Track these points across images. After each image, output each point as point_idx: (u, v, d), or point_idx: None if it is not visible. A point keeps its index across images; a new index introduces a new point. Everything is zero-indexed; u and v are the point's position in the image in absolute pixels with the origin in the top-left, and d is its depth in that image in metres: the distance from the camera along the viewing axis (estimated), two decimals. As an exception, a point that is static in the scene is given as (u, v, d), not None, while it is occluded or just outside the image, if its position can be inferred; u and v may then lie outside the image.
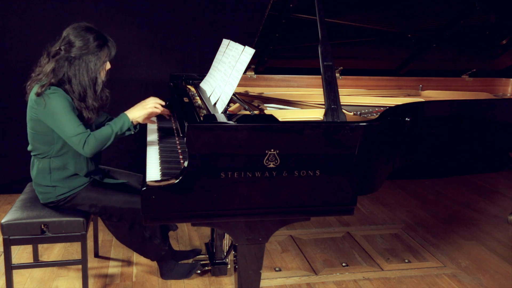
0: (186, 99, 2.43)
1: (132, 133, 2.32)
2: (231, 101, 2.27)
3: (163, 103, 2.38)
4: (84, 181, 2.34)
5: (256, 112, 2.18)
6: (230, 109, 2.28)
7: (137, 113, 2.30)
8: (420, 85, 3.26)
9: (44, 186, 2.30)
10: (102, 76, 2.26)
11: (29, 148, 2.32)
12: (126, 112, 2.30)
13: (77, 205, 2.34)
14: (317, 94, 2.83)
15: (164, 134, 2.60)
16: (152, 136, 2.59)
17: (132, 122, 2.28)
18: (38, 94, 2.13)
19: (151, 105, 2.32)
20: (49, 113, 2.13)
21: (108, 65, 2.30)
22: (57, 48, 2.18)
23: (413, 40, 2.97)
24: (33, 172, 2.33)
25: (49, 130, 2.19)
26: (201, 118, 2.00)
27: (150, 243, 2.54)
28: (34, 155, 2.32)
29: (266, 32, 2.59)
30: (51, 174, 2.28)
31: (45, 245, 3.03)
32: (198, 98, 2.58)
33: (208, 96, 2.42)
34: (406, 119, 2.23)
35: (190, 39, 3.95)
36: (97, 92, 2.23)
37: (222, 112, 2.09)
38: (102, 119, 2.57)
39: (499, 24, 2.96)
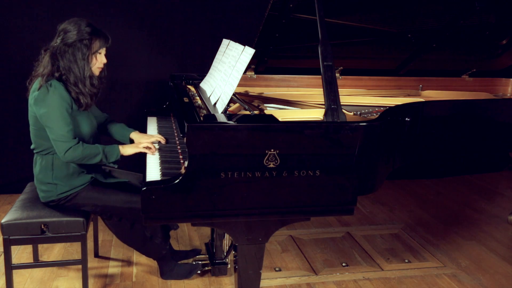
0: (186, 99, 2.43)
1: (116, 167, 2.37)
2: (231, 101, 2.27)
3: (163, 140, 2.45)
4: (85, 180, 2.34)
5: (256, 112, 2.18)
6: (230, 109, 2.28)
7: (129, 150, 2.35)
8: (420, 85, 3.26)
9: (46, 184, 2.31)
10: (92, 64, 2.27)
11: (32, 146, 2.33)
12: (120, 146, 2.33)
13: (78, 204, 2.34)
14: (317, 94, 2.83)
15: (164, 134, 2.60)
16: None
17: (120, 156, 2.32)
18: (40, 87, 2.17)
19: (143, 145, 2.36)
20: (44, 108, 2.15)
21: (103, 59, 2.31)
22: (54, 41, 2.23)
23: (413, 40, 2.97)
24: (36, 170, 2.34)
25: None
26: (201, 118, 2.00)
27: (151, 242, 2.54)
28: (37, 152, 2.33)
29: (266, 32, 2.59)
30: (54, 171, 2.29)
31: (45, 245, 3.03)
32: (198, 98, 2.58)
33: (208, 96, 2.42)
34: (406, 119, 2.23)
35: (190, 39, 3.95)
36: (86, 80, 2.25)
37: (222, 112, 2.09)
38: (102, 119, 2.58)
39: (499, 24, 2.96)
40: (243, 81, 3.00)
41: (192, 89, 2.90)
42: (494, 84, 3.45)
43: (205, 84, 2.67)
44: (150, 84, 3.94)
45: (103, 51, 2.30)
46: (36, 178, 2.36)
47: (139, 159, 2.48)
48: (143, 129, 2.66)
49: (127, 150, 2.34)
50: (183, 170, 1.82)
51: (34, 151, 2.34)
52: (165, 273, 2.70)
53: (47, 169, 2.29)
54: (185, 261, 2.84)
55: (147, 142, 2.39)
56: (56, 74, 2.20)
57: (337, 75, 3.11)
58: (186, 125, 1.75)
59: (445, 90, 3.24)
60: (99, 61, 2.30)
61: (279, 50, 2.86)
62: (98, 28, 2.27)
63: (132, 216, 2.39)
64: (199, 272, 2.75)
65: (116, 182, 2.45)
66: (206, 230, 3.32)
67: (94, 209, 2.37)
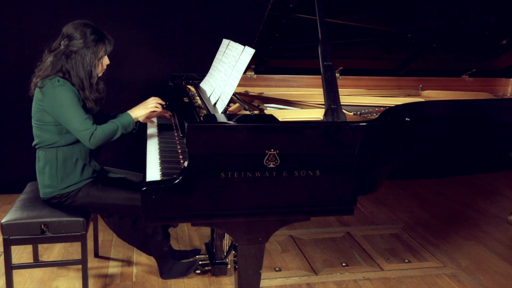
0: (186, 99, 2.43)
1: (134, 131, 2.39)
2: (231, 101, 2.27)
3: (163, 102, 2.49)
4: (87, 175, 2.36)
5: (256, 112, 2.18)
6: (230, 109, 2.28)
7: (139, 112, 2.39)
8: (420, 85, 3.26)
9: (50, 178, 2.31)
10: (98, 70, 2.31)
11: (34, 142, 2.33)
12: (129, 112, 2.37)
13: (79, 202, 2.35)
14: (317, 94, 2.83)
15: (164, 134, 2.60)
16: (152, 136, 2.59)
17: (135, 121, 2.37)
18: (42, 86, 2.19)
19: (152, 105, 2.41)
20: (57, 105, 2.19)
21: (106, 60, 2.35)
22: (58, 43, 2.25)
23: (413, 40, 2.97)
24: (40, 164, 2.33)
25: (57, 120, 2.24)
26: (201, 118, 2.00)
27: (153, 240, 2.54)
28: (40, 146, 2.32)
29: (266, 32, 2.59)
30: (58, 163, 2.30)
31: (45, 245, 3.03)
32: (198, 98, 2.58)
33: (208, 96, 2.42)
34: (406, 119, 2.23)
35: (190, 39, 3.95)
36: (92, 85, 2.29)
37: (222, 112, 2.09)
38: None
39: (499, 24, 2.96)
40: (243, 81, 3.00)
41: (192, 89, 2.90)
42: (494, 84, 3.45)
43: (205, 84, 2.67)
44: (150, 84, 3.94)
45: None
46: (40, 173, 2.35)
47: (139, 159, 2.48)
48: (143, 129, 2.66)
49: (137, 113, 2.37)
50: (183, 170, 1.82)
51: (37, 146, 2.34)
52: (165, 273, 2.70)
53: (51, 162, 2.30)
54: (185, 261, 2.84)
55: (154, 102, 2.41)
56: (60, 74, 2.23)
57: (337, 75, 3.11)
58: (186, 125, 1.75)
59: (445, 90, 3.24)
60: (103, 65, 2.34)
61: (279, 50, 2.86)
62: (103, 34, 2.29)
63: (133, 214, 2.39)
64: (198, 271, 2.75)
65: (117, 180, 2.46)
66: (206, 230, 3.32)
67: (95, 207, 2.37)
